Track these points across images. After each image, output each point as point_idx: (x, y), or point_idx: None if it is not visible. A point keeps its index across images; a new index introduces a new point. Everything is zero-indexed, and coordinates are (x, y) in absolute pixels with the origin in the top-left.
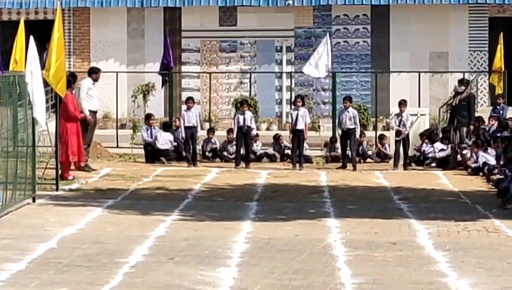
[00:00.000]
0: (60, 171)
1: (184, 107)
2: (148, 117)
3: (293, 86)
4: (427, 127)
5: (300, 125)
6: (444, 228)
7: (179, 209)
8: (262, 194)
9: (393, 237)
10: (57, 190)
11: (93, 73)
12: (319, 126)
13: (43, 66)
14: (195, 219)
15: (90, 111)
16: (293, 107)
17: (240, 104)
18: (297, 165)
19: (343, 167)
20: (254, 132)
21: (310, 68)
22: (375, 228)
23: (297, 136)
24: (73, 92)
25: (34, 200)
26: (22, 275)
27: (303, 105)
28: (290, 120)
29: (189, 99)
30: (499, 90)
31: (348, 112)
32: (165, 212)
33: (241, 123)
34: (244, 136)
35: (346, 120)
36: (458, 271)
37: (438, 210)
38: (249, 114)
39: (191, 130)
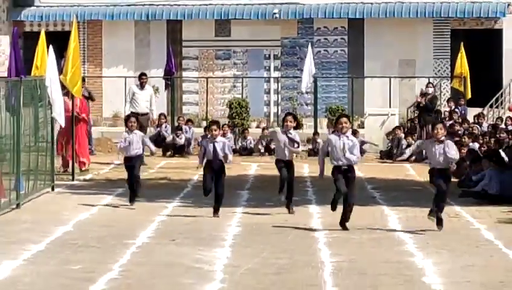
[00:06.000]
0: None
1: (185, 109)
2: (162, 116)
3: (279, 89)
4: (397, 124)
5: (290, 155)
6: (411, 213)
7: (179, 197)
8: (252, 184)
9: (368, 221)
10: (72, 180)
11: (139, 78)
12: (302, 124)
13: (60, 72)
14: (194, 205)
15: (133, 113)
16: (279, 128)
17: (208, 128)
18: (290, 207)
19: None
20: (230, 160)
21: (304, 82)
22: (352, 213)
23: (287, 166)
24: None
25: (52, 189)
26: (42, 255)
27: (296, 127)
28: (272, 140)
29: (130, 118)
30: (468, 96)
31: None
32: (167, 199)
33: (211, 156)
34: (217, 172)
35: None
36: (424, 251)
37: (407, 198)
38: (221, 141)
39: (131, 162)
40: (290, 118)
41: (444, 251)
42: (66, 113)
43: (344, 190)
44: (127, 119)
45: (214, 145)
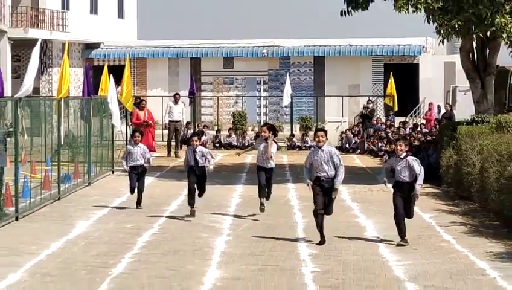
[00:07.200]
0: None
1: (204, 118)
2: (188, 123)
3: (267, 104)
4: (347, 127)
5: (269, 163)
6: (357, 189)
7: None
8: (249, 169)
9: None
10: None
11: (174, 96)
12: (282, 128)
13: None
14: (208, 183)
15: (170, 121)
16: (255, 141)
17: (190, 138)
18: (264, 200)
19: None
20: (211, 165)
21: (285, 100)
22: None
23: (265, 174)
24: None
25: (113, 173)
26: (105, 218)
27: (274, 135)
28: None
29: (135, 133)
30: (395, 109)
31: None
32: None
33: (192, 162)
34: (201, 179)
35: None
36: (365, 215)
37: (354, 178)
38: (200, 151)
39: (135, 169)
40: (264, 128)
41: (379, 214)
42: (138, 121)
43: (319, 207)
44: (132, 134)
45: (194, 154)
